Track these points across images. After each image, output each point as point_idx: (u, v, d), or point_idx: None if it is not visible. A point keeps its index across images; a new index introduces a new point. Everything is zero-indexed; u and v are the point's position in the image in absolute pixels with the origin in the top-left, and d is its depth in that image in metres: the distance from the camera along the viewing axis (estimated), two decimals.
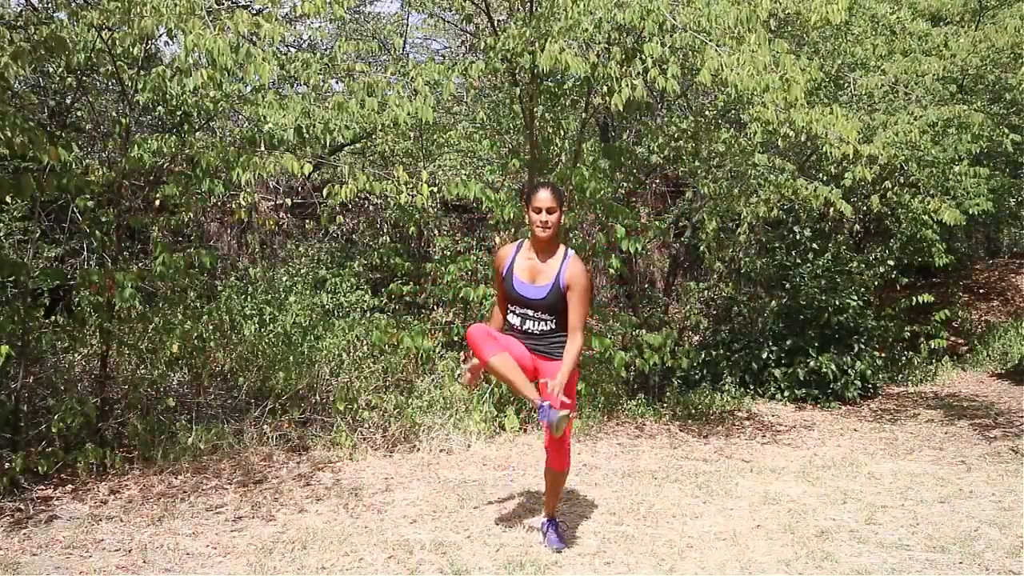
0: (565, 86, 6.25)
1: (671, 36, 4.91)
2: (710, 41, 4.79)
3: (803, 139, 5.86)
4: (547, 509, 3.70)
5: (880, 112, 6.78)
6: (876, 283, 8.75)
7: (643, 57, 4.91)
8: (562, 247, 3.43)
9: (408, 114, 4.77)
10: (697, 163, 7.01)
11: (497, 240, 7.16)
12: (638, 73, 4.90)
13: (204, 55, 4.00)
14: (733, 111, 7.14)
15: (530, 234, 3.42)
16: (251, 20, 4.12)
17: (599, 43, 5.27)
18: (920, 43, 7.05)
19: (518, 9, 6.38)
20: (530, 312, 3.40)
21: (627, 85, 4.89)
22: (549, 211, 3.32)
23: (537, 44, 5.21)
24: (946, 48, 6.83)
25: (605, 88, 6.14)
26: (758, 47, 4.61)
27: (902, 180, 7.38)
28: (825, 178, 7.32)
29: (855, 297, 8.19)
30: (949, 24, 7.94)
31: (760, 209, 6.74)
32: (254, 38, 4.30)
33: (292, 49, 7.68)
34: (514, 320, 3.46)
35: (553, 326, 3.40)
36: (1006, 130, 7.34)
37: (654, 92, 7.01)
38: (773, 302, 8.37)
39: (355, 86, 4.86)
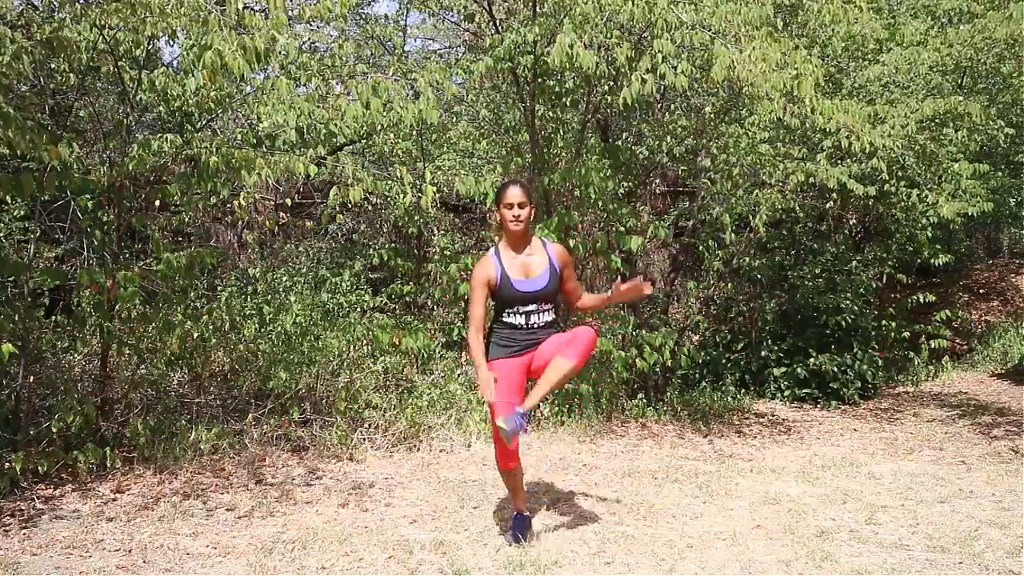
0: (566, 85, 6.25)
1: (680, 33, 4.91)
2: (719, 39, 4.79)
3: (808, 127, 5.85)
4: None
5: (879, 103, 6.77)
6: (875, 283, 8.74)
7: (653, 52, 4.92)
8: (534, 238, 3.62)
9: (413, 116, 4.80)
10: (708, 161, 6.99)
11: (497, 240, 7.14)
12: (648, 69, 4.90)
13: (221, 68, 4.02)
14: (735, 107, 7.13)
15: (503, 233, 3.56)
16: (268, 35, 4.14)
17: (609, 38, 5.27)
18: (916, 34, 7.05)
19: (521, 8, 6.38)
20: (534, 307, 3.50)
21: (637, 79, 4.89)
22: (520, 206, 3.48)
23: (541, 43, 5.21)
24: (942, 40, 6.82)
25: (607, 87, 6.14)
26: (770, 44, 4.62)
27: (900, 175, 7.36)
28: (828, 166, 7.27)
29: (854, 297, 8.19)
30: (945, 23, 7.93)
31: (774, 199, 6.68)
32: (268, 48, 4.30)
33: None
34: (518, 320, 3.51)
35: (554, 315, 3.58)
36: (1001, 123, 7.31)
37: (658, 90, 7.01)
38: (773, 302, 8.37)
39: (358, 87, 4.86)
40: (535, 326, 3.51)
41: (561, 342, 3.42)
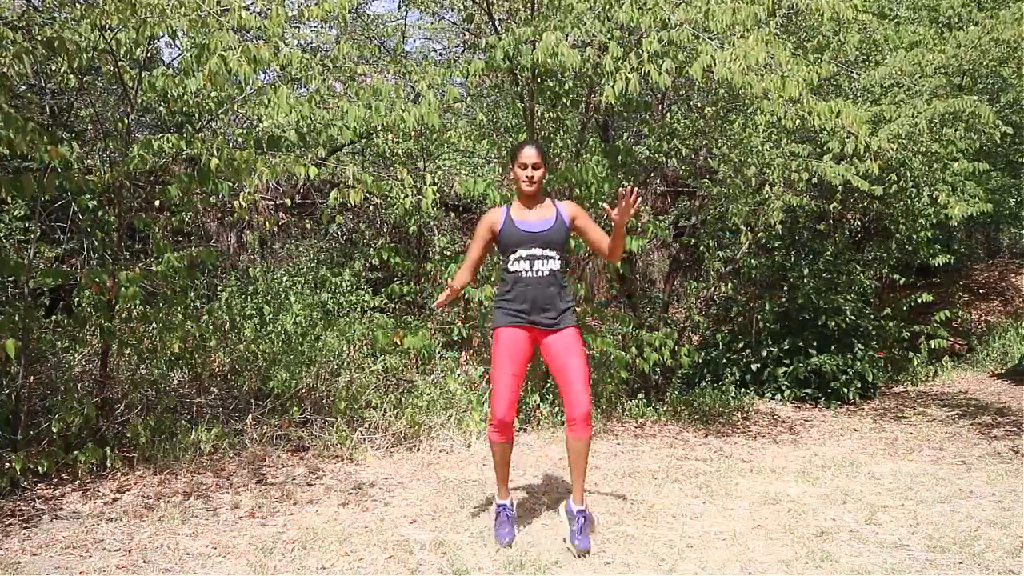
0: (566, 85, 6.25)
1: (668, 32, 4.92)
2: (710, 38, 4.79)
3: (808, 128, 5.86)
4: (577, 496, 3.61)
5: (884, 104, 6.78)
6: (875, 283, 8.74)
7: (639, 52, 4.92)
8: (547, 199, 3.62)
9: (415, 120, 4.82)
10: (714, 160, 6.98)
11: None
12: (632, 68, 4.91)
13: (225, 71, 4.05)
14: (737, 108, 7.13)
15: (516, 192, 3.60)
16: (271, 44, 4.17)
17: (598, 37, 5.27)
18: (921, 35, 7.08)
19: (521, 9, 6.38)
20: (537, 251, 3.50)
21: (621, 78, 4.90)
22: (535, 167, 3.51)
23: (536, 40, 5.21)
24: (949, 39, 6.84)
25: (608, 87, 6.14)
26: (755, 44, 4.62)
27: (907, 175, 7.37)
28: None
29: (854, 297, 8.19)
30: (947, 25, 7.95)
31: (786, 197, 6.64)
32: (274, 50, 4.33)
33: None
34: (521, 266, 3.52)
35: (558, 265, 3.52)
36: (998, 121, 7.33)
37: (654, 91, 7.01)
38: (773, 302, 8.38)
39: (358, 90, 4.87)
40: (539, 273, 3.49)
41: (566, 359, 3.47)
